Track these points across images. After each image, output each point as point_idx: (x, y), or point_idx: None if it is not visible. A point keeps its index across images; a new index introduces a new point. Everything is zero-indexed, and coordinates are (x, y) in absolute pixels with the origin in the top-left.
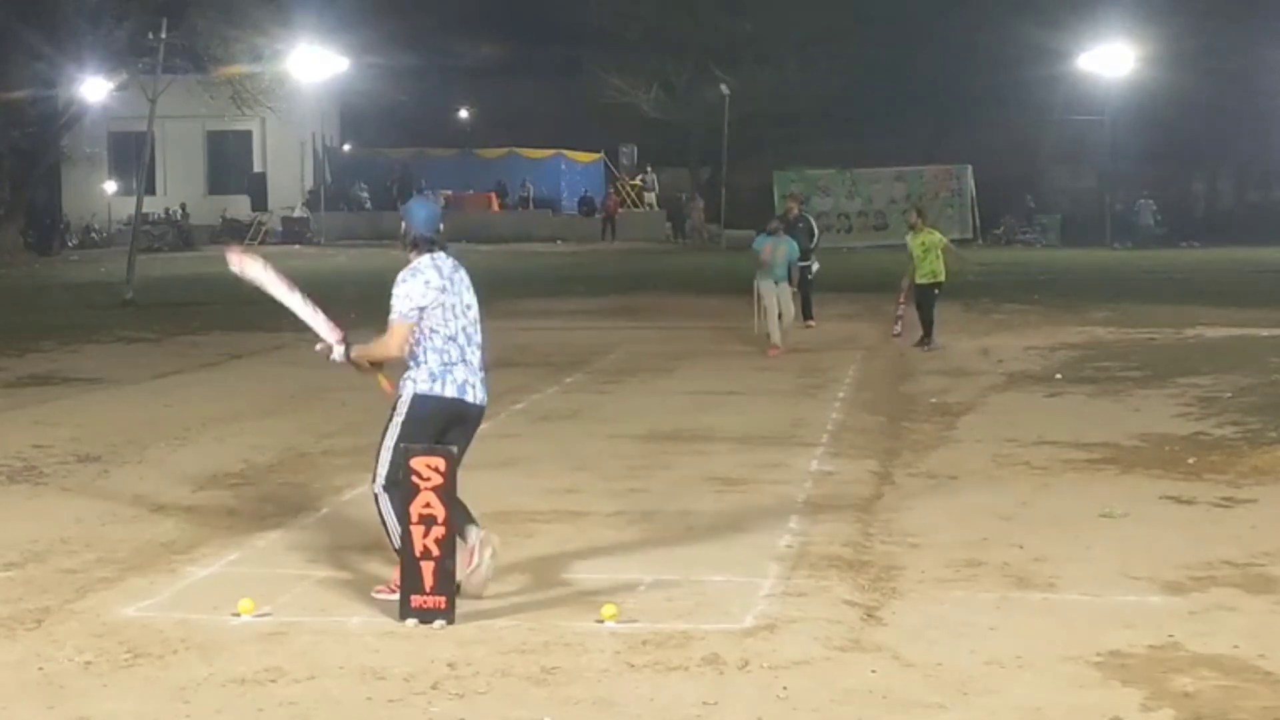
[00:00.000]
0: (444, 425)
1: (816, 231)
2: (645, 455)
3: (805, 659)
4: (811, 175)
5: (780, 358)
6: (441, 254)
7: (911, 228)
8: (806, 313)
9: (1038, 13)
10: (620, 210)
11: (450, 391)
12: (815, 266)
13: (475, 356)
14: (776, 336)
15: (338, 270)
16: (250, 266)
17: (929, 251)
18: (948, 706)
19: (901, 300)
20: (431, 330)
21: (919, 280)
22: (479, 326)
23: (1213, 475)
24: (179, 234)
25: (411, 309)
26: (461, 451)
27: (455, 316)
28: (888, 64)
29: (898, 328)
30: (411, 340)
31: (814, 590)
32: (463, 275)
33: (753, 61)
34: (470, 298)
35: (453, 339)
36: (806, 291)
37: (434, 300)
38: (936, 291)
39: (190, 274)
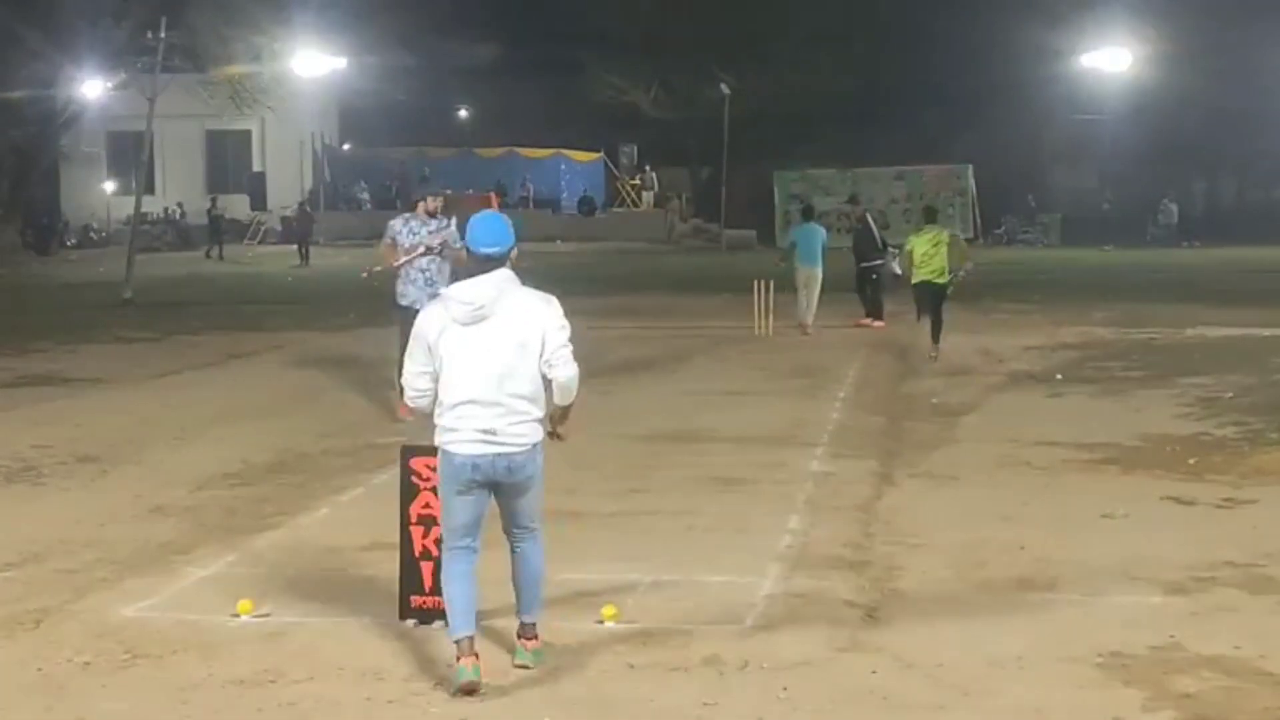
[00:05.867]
0: None
1: (876, 233)
2: (645, 455)
3: (805, 659)
4: (812, 175)
5: (779, 357)
6: None
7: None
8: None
9: (1039, 12)
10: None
11: None
12: (887, 265)
13: None
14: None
15: (341, 268)
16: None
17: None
18: (948, 707)
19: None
20: None
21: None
22: None
23: (1214, 476)
24: (178, 233)
25: None
26: None
27: None
28: (888, 63)
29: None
30: None
31: (814, 590)
32: None
33: (753, 61)
34: None
35: None
36: (874, 290)
37: None
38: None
39: (189, 274)
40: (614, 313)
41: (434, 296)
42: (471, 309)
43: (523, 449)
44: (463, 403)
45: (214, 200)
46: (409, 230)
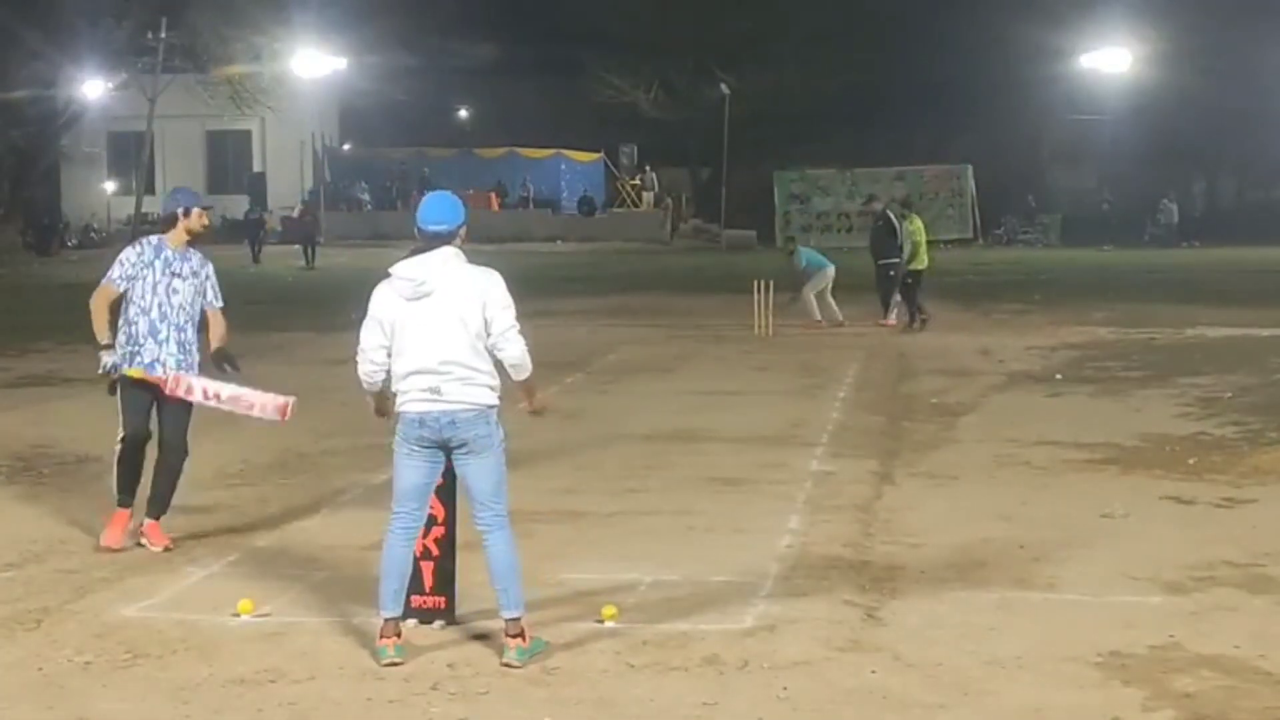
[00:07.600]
0: None
1: (899, 228)
2: (645, 455)
3: (805, 659)
4: (812, 175)
5: (779, 357)
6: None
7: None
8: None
9: (1039, 12)
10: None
11: None
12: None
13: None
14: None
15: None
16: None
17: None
18: (948, 706)
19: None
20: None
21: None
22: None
23: (1213, 475)
24: None
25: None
26: None
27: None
28: (888, 64)
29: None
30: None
31: (814, 590)
32: None
33: (753, 61)
34: None
35: None
36: (887, 289)
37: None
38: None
39: None
40: (614, 312)
41: (185, 365)
42: (414, 285)
43: (469, 408)
44: (411, 373)
45: (252, 204)
46: (163, 265)
